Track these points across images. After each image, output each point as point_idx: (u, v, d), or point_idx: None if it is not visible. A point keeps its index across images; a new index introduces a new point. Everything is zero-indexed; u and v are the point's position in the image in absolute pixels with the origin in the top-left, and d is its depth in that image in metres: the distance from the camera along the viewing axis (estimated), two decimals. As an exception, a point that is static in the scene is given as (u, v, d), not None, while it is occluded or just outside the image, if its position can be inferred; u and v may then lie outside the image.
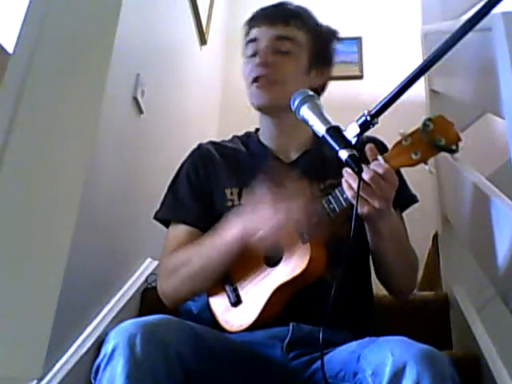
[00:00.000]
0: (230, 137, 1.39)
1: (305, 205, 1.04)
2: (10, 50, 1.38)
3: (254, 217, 1.06)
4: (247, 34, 1.32)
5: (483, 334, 1.41)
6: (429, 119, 0.96)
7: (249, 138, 1.36)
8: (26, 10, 1.38)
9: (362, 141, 1.28)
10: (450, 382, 0.79)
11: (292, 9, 1.30)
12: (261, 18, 1.30)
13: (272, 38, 1.25)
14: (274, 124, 1.29)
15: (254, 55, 1.26)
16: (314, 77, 1.30)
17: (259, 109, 1.27)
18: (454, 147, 0.95)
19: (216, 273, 1.12)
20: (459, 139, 0.95)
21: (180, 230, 1.22)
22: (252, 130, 1.40)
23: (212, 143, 1.34)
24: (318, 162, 1.24)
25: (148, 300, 1.70)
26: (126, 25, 1.48)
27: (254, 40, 1.28)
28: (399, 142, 0.99)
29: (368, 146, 1.01)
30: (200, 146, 1.34)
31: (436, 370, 0.79)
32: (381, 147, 1.28)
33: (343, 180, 1.01)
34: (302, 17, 1.29)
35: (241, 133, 1.40)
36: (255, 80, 1.24)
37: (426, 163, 0.97)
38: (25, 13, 1.38)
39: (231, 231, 1.08)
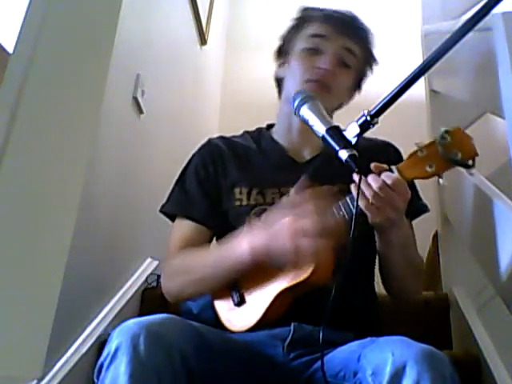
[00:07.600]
0: (240, 132, 1.37)
1: (331, 231, 0.97)
2: (10, 49, 1.38)
3: (269, 236, 1.01)
4: (307, 23, 1.29)
5: (483, 334, 1.41)
6: (446, 131, 0.93)
7: (260, 135, 1.34)
8: (26, 10, 1.38)
9: (376, 144, 1.29)
10: (450, 382, 0.80)
11: (363, 28, 1.30)
12: (334, 20, 1.27)
13: (341, 47, 1.25)
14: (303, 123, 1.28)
15: (315, 50, 1.25)
16: (349, 97, 1.33)
17: None
18: (470, 162, 0.92)
19: (221, 284, 1.11)
20: (476, 154, 0.92)
21: (186, 226, 1.21)
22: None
23: (222, 138, 1.32)
24: (330, 166, 1.23)
25: (148, 300, 1.70)
26: (126, 25, 1.48)
27: (321, 36, 1.26)
28: (414, 153, 0.96)
29: (373, 165, 0.99)
30: (210, 141, 1.32)
31: (436, 369, 0.79)
32: (394, 153, 1.28)
33: (352, 186, 1.00)
34: (367, 40, 1.31)
35: (251, 129, 1.37)
36: (311, 80, 1.22)
37: (440, 176, 0.94)
38: (25, 13, 1.38)
39: (241, 247, 1.04)
